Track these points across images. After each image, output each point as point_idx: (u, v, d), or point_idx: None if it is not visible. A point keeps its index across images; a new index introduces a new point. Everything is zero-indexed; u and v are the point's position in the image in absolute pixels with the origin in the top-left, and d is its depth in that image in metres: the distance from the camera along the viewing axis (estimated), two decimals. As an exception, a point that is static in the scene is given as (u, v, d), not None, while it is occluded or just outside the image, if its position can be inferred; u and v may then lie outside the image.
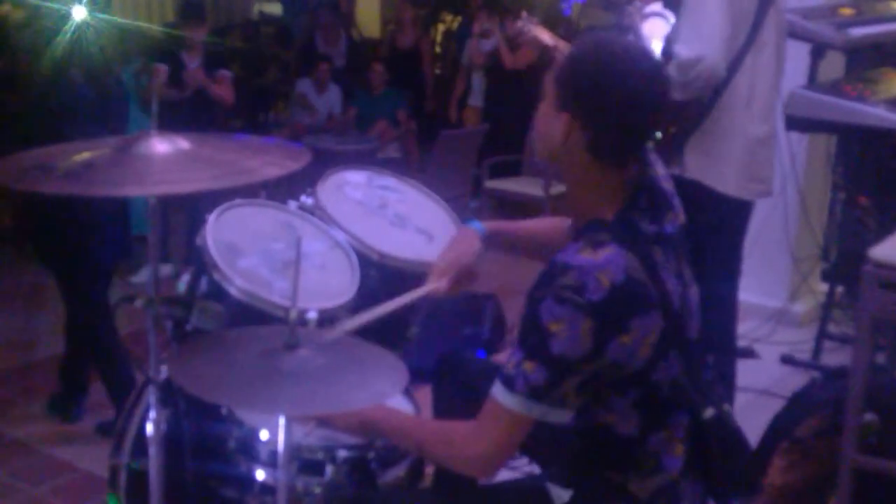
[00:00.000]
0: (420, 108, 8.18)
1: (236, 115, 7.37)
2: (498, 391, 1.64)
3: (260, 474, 1.97)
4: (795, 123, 3.67)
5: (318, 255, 2.21)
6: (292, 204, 2.34)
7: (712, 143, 2.98)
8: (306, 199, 2.35)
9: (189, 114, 5.09)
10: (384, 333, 1.94)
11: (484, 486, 1.92)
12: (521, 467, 2.34)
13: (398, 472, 2.05)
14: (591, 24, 8.17)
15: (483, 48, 7.62)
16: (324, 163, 2.56)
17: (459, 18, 10.08)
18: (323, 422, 1.94)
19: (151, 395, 1.86)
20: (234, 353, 1.70)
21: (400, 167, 6.75)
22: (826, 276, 4.57)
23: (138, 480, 2.03)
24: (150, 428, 1.87)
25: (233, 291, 1.99)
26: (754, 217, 3.23)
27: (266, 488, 1.96)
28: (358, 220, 2.34)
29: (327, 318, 1.98)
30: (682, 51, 2.83)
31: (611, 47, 1.67)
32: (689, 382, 1.73)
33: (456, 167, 6.49)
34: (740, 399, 3.34)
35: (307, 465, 1.96)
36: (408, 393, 2.25)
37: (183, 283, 2.16)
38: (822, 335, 4.22)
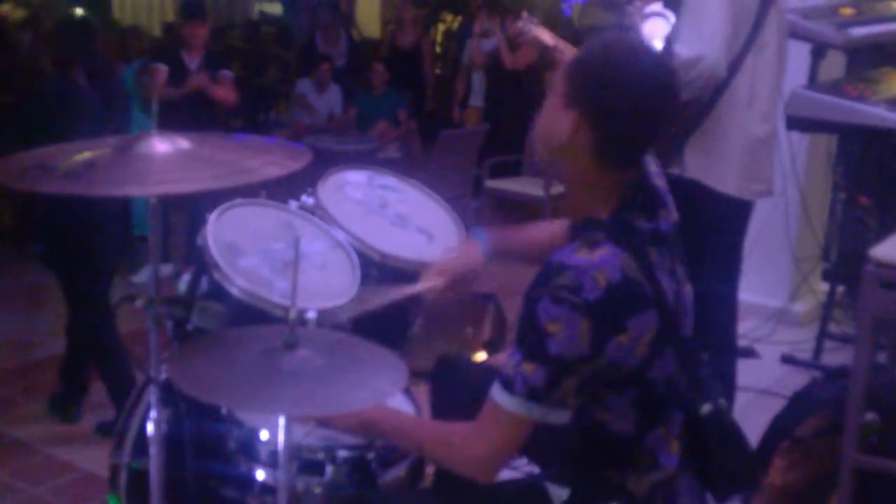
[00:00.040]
0: (420, 108, 8.18)
1: (236, 115, 7.38)
2: (497, 393, 1.64)
3: (260, 474, 1.97)
4: (796, 123, 3.66)
5: (319, 255, 2.21)
6: (293, 204, 2.34)
7: (712, 142, 2.98)
8: (307, 199, 2.35)
9: (189, 114, 5.09)
10: (384, 332, 1.94)
11: (483, 486, 1.92)
12: (522, 467, 2.34)
13: (398, 472, 2.05)
14: (591, 24, 8.17)
15: (483, 48, 7.62)
16: (324, 163, 2.56)
17: (460, 18, 10.09)
18: (323, 422, 1.94)
19: (152, 395, 1.86)
20: (234, 353, 1.70)
21: (400, 167, 6.75)
22: (827, 276, 4.57)
23: (139, 480, 2.03)
24: (150, 428, 1.86)
25: (233, 291, 2.00)
26: (755, 217, 3.23)
27: (266, 488, 1.95)
28: (358, 220, 2.34)
29: (328, 318, 1.99)
30: (683, 50, 2.83)
31: (628, 51, 1.66)
32: (684, 379, 1.73)
33: (456, 167, 6.49)
34: (741, 399, 3.34)
35: (307, 465, 1.96)
36: (408, 392, 2.25)
37: (183, 283, 2.16)
38: (823, 335, 4.22)
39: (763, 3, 2.96)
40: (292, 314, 1.66)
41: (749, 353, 4.23)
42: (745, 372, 3.47)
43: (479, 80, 7.83)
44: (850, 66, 4.36)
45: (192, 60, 5.40)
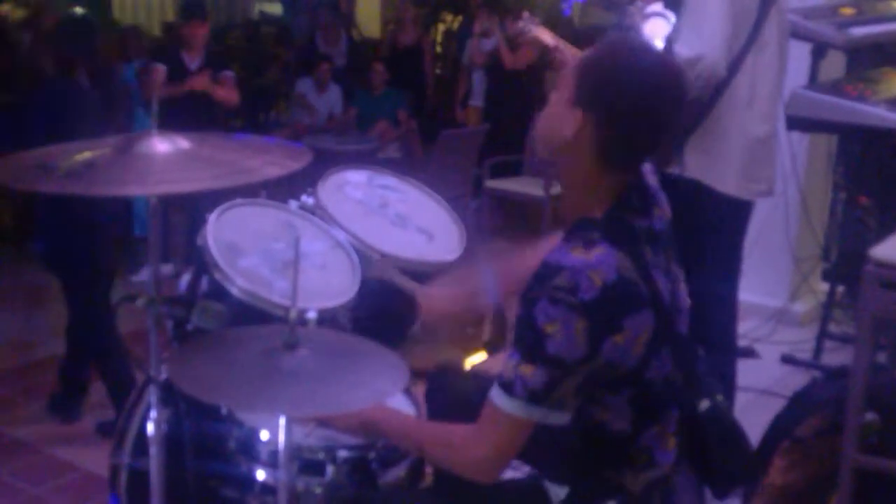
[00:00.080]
0: (420, 108, 8.18)
1: (236, 114, 7.37)
2: (496, 395, 1.64)
3: (260, 474, 1.97)
4: (796, 123, 3.66)
5: (319, 255, 2.21)
6: (293, 204, 2.34)
7: (712, 142, 2.98)
8: (307, 199, 2.35)
9: (190, 114, 5.09)
10: (384, 332, 1.94)
11: (483, 485, 1.92)
12: (523, 466, 2.34)
13: (399, 472, 2.05)
14: (591, 24, 8.18)
15: (483, 48, 7.62)
16: (324, 163, 2.56)
17: (460, 18, 10.09)
18: (323, 422, 1.94)
19: (152, 395, 1.86)
20: (234, 353, 1.70)
21: (400, 167, 6.75)
22: (827, 276, 4.57)
23: (139, 480, 2.03)
24: (150, 427, 1.87)
25: (234, 291, 1.99)
26: (755, 217, 3.23)
27: (267, 488, 1.95)
28: (359, 220, 2.34)
29: (328, 318, 1.99)
30: (682, 50, 2.83)
31: (638, 54, 1.66)
32: (682, 377, 1.73)
33: (457, 167, 6.49)
34: (741, 399, 3.34)
35: (308, 465, 1.96)
36: (408, 392, 2.25)
37: (184, 283, 2.16)
38: (823, 335, 4.22)
39: (764, 3, 2.96)
40: (293, 314, 1.66)
41: (749, 353, 4.23)
42: (745, 372, 3.47)
43: (479, 80, 7.82)
44: (850, 66, 4.35)
45: (193, 60, 5.39)
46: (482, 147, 6.77)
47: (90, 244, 3.59)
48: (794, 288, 4.70)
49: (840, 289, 4.30)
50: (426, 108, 8.40)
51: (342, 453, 1.98)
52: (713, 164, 2.99)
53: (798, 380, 3.77)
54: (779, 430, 2.58)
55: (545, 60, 6.61)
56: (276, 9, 12.36)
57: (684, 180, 2.94)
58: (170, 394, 1.92)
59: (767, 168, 3.10)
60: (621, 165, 1.68)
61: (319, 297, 2.03)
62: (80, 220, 3.50)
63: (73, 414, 3.84)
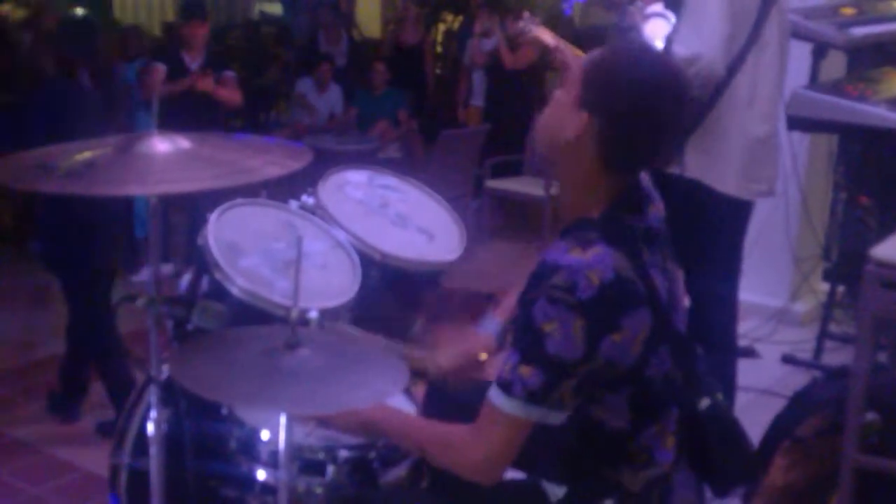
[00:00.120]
0: (421, 108, 8.18)
1: (237, 114, 7.37)
2: (495, 395, 1.64)
3: (261, 474, 1.97)
4: (797, 123, 3.66)
5: (320, 255, 2.21)
6: (293, 203, 2.34)
7: (713, 142, 2.98)
8: (307, 199, 2.35)
9: (190, 113, 5.09)
10: (384, 332, 1.94)
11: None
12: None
13: (400, 471, 2.05)
14: (592, 24, 8.17)
15: (484, 48, 7.62)
16: (324, 163, 2.56)
17: (461, 18, 10.08)
18: (324, 422, 1.93)
19: (153, 395, 1.86)
20: (235, 353, 1.70)
21: (401, 167, 6.75)
22: (827, 276, 4.57)
23: (139, 480, 2.03)
24: (150, 427, 1.86)
25: (234, 291, 2.00)
26: (755, 217, 3.23)
27: (267, 488, 1.95)
28: (359, 220, 2.35)
29: (328, 318, 1.98)
30: (680, 49, 2.83)
31: (645, 58, 1.67)
32: (681, 375, 1.74)
33: (457, 167, 6.49)
34: (741, 399, 3.34)
35: (308, 465, 1.96)
36: (408, 392, 2.25)
37: (184, 283, 2.16)
38: (824, 335, 4.22)
39: (764, 3, 2.96)
40: (294, 314, 1.66)
41: (749, 353, 4.23)
42: (746, 372, 3.47)
43: (479, 80, 7.82)
44: (850, 65, 4.35)
45: (193, 60, 5.39)
46: (483, 147, 6.76)
47: (90, 244, 3.59)
48: (794, 288, 4.70)
49: (840, 289, 4.30)
50: (427, 108, 8.39)
51: (343, 453, 1.98)
52: (713, 163, 2.99)
53: (798, 380, 3.77)
54: (779, 429, 2.58)
55: (546, 60, 6.61)
56: (276, 9, 12.36)
57: (684, 180, 2.94)
58: (170, 394, 1.92)
59: (768, 168, 3.10)
60: (621, 168, 1.68)
61: (320, 297, 2.03)
62: (80, 220, 3.49)
63: (73, 414, 3.84)
